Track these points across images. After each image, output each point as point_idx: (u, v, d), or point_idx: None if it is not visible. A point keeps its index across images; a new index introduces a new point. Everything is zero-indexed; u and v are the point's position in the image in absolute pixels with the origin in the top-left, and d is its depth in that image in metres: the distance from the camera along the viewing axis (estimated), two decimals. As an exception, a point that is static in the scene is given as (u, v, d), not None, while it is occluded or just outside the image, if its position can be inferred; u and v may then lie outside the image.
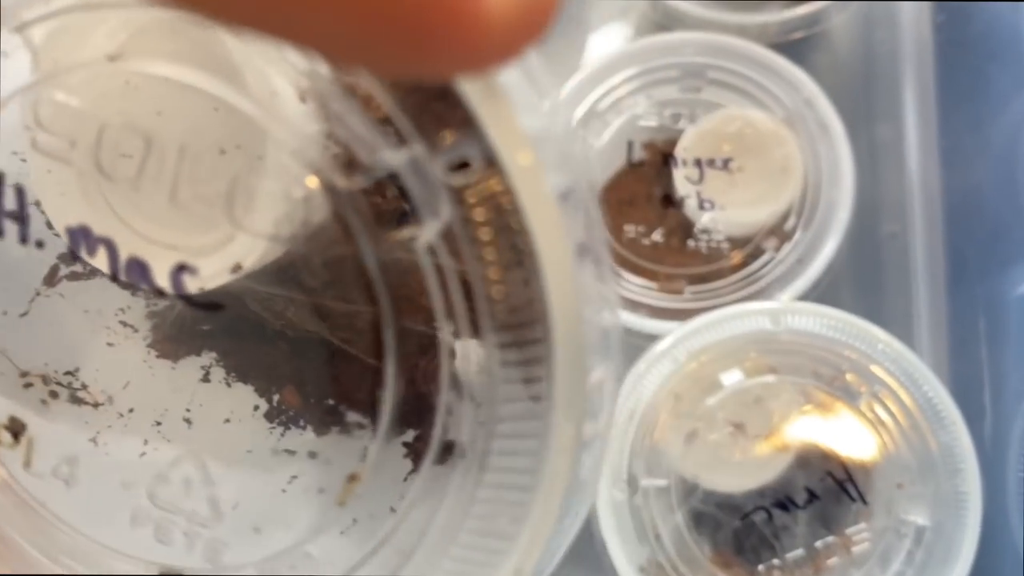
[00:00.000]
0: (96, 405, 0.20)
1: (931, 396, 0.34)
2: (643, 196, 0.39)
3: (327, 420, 0.19)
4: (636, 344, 0.38)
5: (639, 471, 0.35)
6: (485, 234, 0.16)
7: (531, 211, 0.15)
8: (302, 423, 0.19)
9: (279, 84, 0.17)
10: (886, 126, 0.45)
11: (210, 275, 0.18)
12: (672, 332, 0.35)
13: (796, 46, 0.42)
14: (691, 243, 0.38)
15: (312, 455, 0.19)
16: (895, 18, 0.46)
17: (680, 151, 0.39)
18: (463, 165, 0.15)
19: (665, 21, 0.42)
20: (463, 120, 0.15)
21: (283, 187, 0.17)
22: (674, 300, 0.38)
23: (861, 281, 0.43)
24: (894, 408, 0.35)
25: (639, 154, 0.40)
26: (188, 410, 0.20)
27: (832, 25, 0.44)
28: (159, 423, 0.20)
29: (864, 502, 0.34)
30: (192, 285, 0.18)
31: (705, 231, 0.38)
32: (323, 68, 0.16)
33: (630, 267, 0.38)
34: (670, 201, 0.39)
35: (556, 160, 0.16)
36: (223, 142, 0.18)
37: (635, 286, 0.38)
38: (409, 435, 0.19)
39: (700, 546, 0.34)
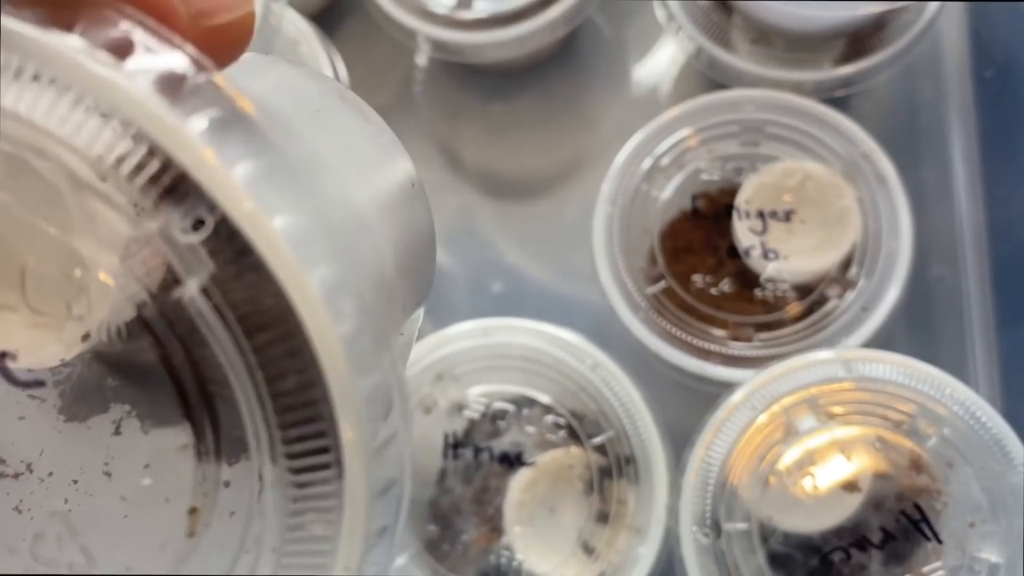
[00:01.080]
0: (16, 476, 0.22)
1: (999, 436, 0.36)
2: (707, 247, 0.41)
3: (236, 450, 0.20)
4: (708, 391, 0.39)
5: (721, 515, 0.36)
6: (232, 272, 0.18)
7: (264, 249, 0.17)
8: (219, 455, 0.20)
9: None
10: (932, 172, 0.47)
11: (57, 352, 0.20)
12: (747, 379, 0.37)
13: (842, 98, 0.44)
14: (758, 292, 0.40)
15: (227, 484, 0.20)
16: (938, 71, 0.48)
17: (742, 202, 0.41)
18: (199, 223, 0.17)
19: (721, 79, 0.44)
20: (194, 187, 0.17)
21: (64, 271, 0.19)
22: (744, 348, 0.39)
23: (913, 324, 0.45)
24: (964, 449, 0.36)
25: (702, 206, 0.42)
26: (106, 463, 0.21)
27: (879, 79, 0.46)
28: (76, 481, 0.21)
29: (938, 541, 0.36)
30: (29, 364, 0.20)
31: (771, 280, 0.40)
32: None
33: (699, 316, 0.40)
34: (734, 251, 0.41)
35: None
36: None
37: (706, 334, 0.40)
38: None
39: (781, 586, 0.36)
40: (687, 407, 0.39)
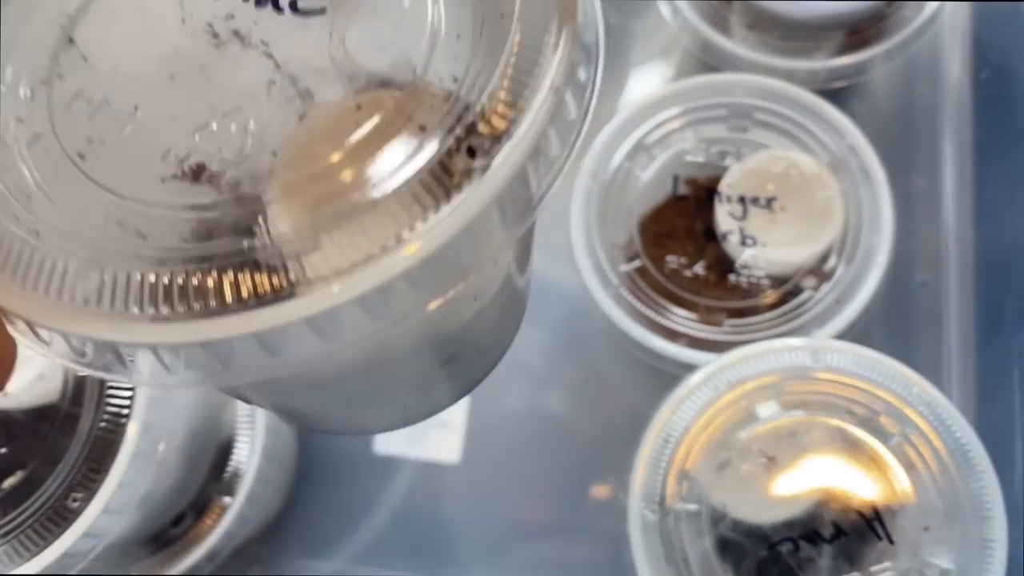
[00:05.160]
0: None
1: (963, 442, 0.35)
2: (685, 229, 0.40)
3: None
4: (673, 373, 0.38)
5: (671, 494, 0.35)
6: None
7: None
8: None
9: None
10: (922, 177, 0.46)
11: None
12: (711, 362, 0.36)
13: (838, 93, 0.43)
14: (732, 278, 0.39)
15: None
16: (937, 73, 0.47)
17: (725, 187, 0.40)
18: None
19: (714, 62, 0.43)
20: None
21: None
22: (713, 332, 0.39)
23: (892, 326, 0.44)
24: (925, 452, 0.35)
25: (683, 188, 0.41)
26: None
27: (875, 75, 0.45)
28: None
29: (890, 541, 0.35)
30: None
31: (746, 267, 0.39)
32: None
33: (671, 298, 0.39)
34: (712, 235, 0.40)
35: None
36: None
37: (676, 316, 0.39)
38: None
39: (726, 572, 0.35)
40: (651, 388, 0.38)
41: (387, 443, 0.47)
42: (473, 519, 0.46)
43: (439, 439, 0.47)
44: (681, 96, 0.42)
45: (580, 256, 0.40)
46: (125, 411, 0.29)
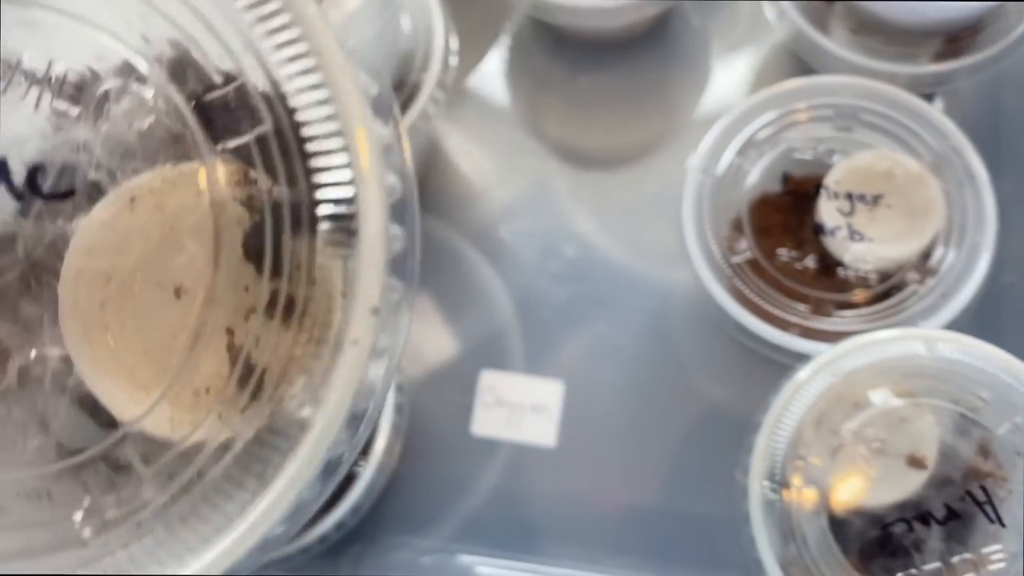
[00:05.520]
0: None
1: (1071, 430, 0.37)
2: (794, 223, 0.42)
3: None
4: (784, 363, 0.40)
5: (789, 476, 0.37)
6: None
7: None
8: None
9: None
10: (1010, 181, 0.48)
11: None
12: (824, 351, 0.38)
13: (930, 102, 0.45)
14: (840, 271, 0.41)
15: None
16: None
17: (832, 183, 0.41)
18: None
19: (816, 65, 0.45)
20: None
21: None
22: (824, 322, 0.40)
23: (982, 325, 0.46)
24: (1034, 439, 0.37)
25: (792, 184, 0.43)
26: None
27: (965, 82, 0.47)
28: None
29: (1001, 524, 0.36)
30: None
31: (854, 261, 0.41)
32: None
33: (783, 289, 0.41)
34: (820, 230, 0.41)
35: None
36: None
37: (788, 307, 0.40)
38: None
39: (841, 551, 0.36)
40: (755, 376, 0.40)
41: (484, 426, 0.48)
42: (569, 501, 0.47)
43: (535, 423, 0.48)
44: (790, 96, 0.43)
45: (692, 247, 0.41)
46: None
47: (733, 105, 0.44)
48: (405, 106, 0.44)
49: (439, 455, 0.48)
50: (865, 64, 0.44)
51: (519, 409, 0.48)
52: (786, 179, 0.43)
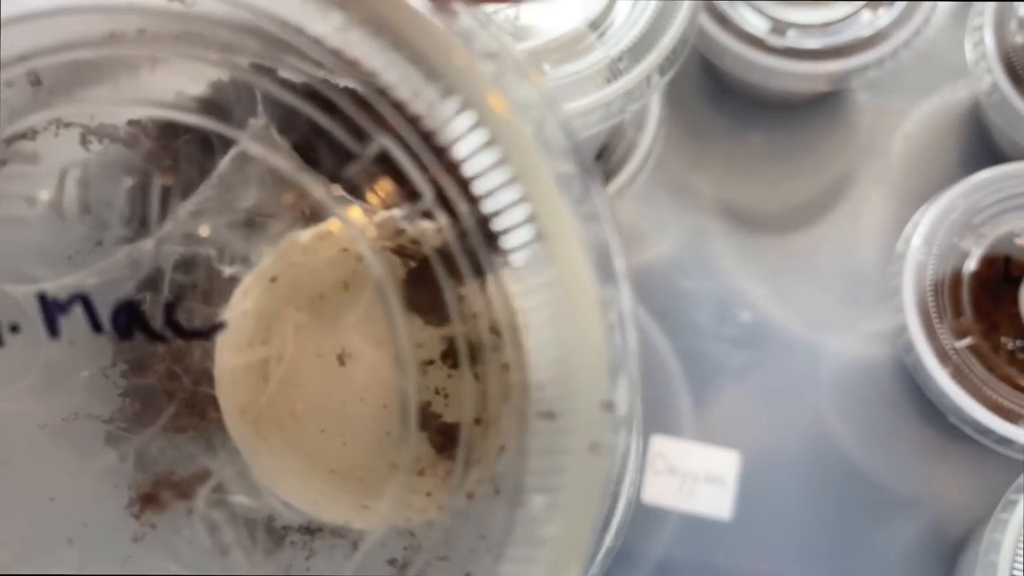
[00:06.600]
0: None
1: None
2: (1015, 309, 0.41)
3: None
4: (996, 451, 0.39)
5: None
6: None
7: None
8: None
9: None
10: None
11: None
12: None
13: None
14: (1064, 361, 0.40)
15: None
16: None
17: (1055, 273, 0.41)
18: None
19: (1009, 128, 0.44)
20: None
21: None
22: (1053, 417, 0.39)
23: None
24: None
25: (1012, 269, 0.42)
26: None
27: None
28: None
29: None
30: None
31: (1081, 353, 0.40)
32: None
33: (1006, 379, 0.40)
34: (1044, 319, 0.41)
35: None
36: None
37: (1013, 396, 0.39)
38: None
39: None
40: (989, 472, 0.39)
41: (654, 494, 0.47)
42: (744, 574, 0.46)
43: (708, 493, 0.47)
44: (1010, 179, 0.42)
45: (915, 329, 0.40)
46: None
47: (936, 186, 0.43)
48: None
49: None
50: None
51: (691, 478, 0.47)
52: (1007, 264, 0.42)
